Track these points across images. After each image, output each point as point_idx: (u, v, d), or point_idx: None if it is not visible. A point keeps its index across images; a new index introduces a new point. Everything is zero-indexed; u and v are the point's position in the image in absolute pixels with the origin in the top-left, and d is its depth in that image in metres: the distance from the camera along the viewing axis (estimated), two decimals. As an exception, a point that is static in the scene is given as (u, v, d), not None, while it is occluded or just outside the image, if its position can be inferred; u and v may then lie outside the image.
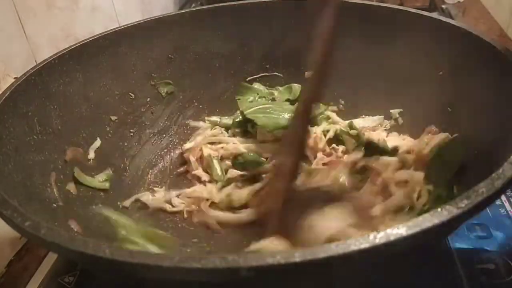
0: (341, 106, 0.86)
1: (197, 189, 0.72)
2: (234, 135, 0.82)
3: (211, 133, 0.82)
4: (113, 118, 0.75)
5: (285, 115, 0.78)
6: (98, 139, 0.71)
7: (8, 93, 0.56)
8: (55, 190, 0.57)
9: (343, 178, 0.64)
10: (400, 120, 0.78)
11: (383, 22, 0.76)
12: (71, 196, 0.60)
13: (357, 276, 0.39)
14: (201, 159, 0.77)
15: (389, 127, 0.79)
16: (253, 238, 0.50)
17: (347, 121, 0.79)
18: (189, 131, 0.86)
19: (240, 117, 0.82)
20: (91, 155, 0.69)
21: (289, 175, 0.57)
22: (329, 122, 0.81)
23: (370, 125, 0.80)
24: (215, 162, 0.75)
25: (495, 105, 0.55)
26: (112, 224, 0.57)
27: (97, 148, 0.70)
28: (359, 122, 0.80)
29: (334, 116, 0.82)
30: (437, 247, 0.56)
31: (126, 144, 0.77)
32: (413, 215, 0.54)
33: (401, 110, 0.78)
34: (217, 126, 0.84)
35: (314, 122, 0.78)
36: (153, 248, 0.53)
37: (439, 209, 0.33)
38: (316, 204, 0.52)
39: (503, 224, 0.59)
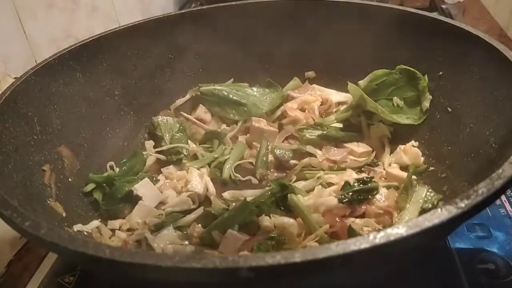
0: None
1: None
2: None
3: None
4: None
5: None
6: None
7: (8, 93, 0.56)
8: (55, 190, 0.57)
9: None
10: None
11: (383, 22, 0.75)
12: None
13: (357, 276, 0.39)
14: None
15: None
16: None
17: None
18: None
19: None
20: None
21: None
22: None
23: (342, 100, 0.82)
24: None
25: (494, 105, 0.55)
26: None
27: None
28: (331, 93, 0.83)
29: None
30: (437, 247, 0.56)
31: (126, 144, 0.78)
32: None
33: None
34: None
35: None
36: None
37: (439, 209, 0.33)
38: None
39: (503, 224, 0.59)
